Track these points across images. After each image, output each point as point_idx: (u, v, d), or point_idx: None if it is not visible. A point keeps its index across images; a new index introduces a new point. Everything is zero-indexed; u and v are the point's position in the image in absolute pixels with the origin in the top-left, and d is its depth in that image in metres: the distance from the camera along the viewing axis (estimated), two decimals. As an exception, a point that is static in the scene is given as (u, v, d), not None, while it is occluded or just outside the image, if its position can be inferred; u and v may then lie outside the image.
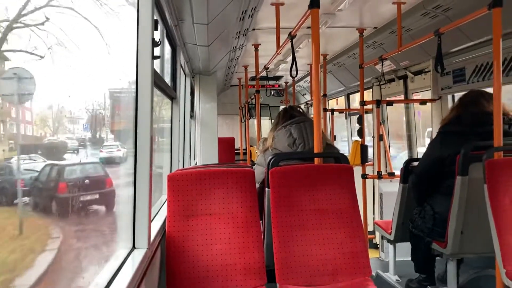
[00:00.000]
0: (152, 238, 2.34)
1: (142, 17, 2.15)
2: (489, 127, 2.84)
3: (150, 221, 2.30)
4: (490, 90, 3.42)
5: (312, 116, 3.11)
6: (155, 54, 2.26)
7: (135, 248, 2.22)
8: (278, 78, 8.74)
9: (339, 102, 8.32)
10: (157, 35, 2.36)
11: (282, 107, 9.79)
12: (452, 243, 3.04)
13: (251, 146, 8.56)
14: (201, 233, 2.70)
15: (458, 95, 4.67)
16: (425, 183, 3.35)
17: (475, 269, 3.54)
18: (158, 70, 2.89)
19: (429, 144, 3.42)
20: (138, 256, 2.12)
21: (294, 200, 2.74)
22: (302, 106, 9.72)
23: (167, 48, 3.66)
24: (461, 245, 3.04)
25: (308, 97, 9.04)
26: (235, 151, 9.31)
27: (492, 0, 2.66)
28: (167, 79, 3.71)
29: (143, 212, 2.23)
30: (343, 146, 7.78)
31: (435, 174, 3.23)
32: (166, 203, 2.84)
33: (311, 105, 9.06)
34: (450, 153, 3.09)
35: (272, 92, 10.01)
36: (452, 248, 3.05)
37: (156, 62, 2.55)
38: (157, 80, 2.61)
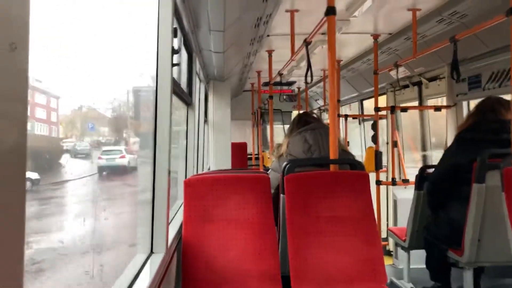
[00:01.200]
0: (169, 243, 2.37)
1: (162, 25, 2.19)
2: (506, 135, 2.82)
3: (168, 226, 2.33)
4: (507, 97, 3.40)
5: (325, 121, 3.12)
6: (174, 62, 2.29)
7: (153, 253, 2.24)
8: (291, 83, 8.75)
9: (351, 109, 8.29)
10: (175, 43, 2.39)
11: (294, 112, 9.80)
12: (469, 252, 3.01)
13: (263, 151, 8.57)
14: (217, 239, 2.71)
15: (473, 102, 4.65)
16: (441, 190, 3.32)
17: (493, 279, 3.51)
18: (176, 77, 2.93)
19: (445, 151, 3.40)
20: (156, 261, 2.14)
21: (310, 207, 2.75)
22: (315, 112, 9.72)
23: (184, 55, 3.71)
24: (478, 253, 3.01)
25: (320, 102, 9.04)
26: (248, 156, 9.33)
27: (510, 7, 2.64)
28: (183, 85, 3.75)
29: (161, 217, 2.26)
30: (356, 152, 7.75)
31: (450, 181, 3.21)
32: (181, 208, 2.87)
33: (323, 111, 9.05)
34: (466, 160, 3.07)
35: (285, 97, 10.02)
36: (468, 257, 3.02)
37: (174, 69, 2.58)
38: (175, 87, 2.65)
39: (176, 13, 2.70)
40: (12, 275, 0.69)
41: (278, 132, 9.79)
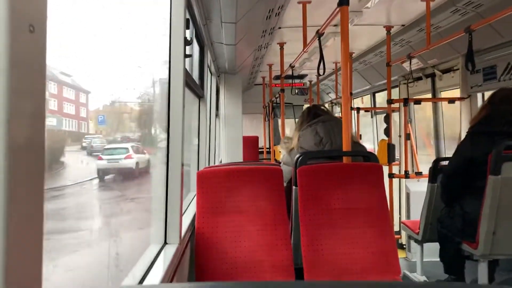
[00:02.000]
0: (182, 234, 2.38)
1: (174, 16, 2.19)
2: None
3: (182, 217, 2.34)
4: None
5: (336, 115, 3.11)
6: (186, 53, 2.29)
7: (167, 243, 2.26)
8: (302, 76, 8.71)
9: (364, 101, 8.24)
10: (187, 34, 2.39)
11: (306, 106, 9.76)
12: (484, 244, 2.98)
13: (275, 145, 8.57)
14: (230, 230, 2.72)
15: (488, 94, 4.58)
16: (455, 183, 3.29)
17: (508, 271, 3.47)
18: (188, 69, 2.93)
19: (459, 144, 3.36)
20: (170, 251, 2.15)
21: (323, 199, 2.74)
22: (326, 105, 9.67)
23: (196, 47, 3.71)
24: (493, 246, 2.98)
25: (332, 95, 8.99)
26: (259, 150, 9.33)
27: (527, -4, 2.60)
28: (195, 78, 3.76)
29: (175, 208, 2.27)
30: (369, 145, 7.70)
31: (465, 174, 3.18)
32: (194, 199, 2.88)
33: (335, 104, 9.00)
34: (480, 153, 3.04)
35: (296, 91, 9.98)
36: (483, 249, 3.00)
37: (186, 61, 2.58)
38: (187, 79, 2.65)
39: (188, 5, 2.70)
40: (31, 276, 0.69)
41: (290, 125, 9.77)
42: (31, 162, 0.67)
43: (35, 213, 0.69)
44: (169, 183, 2.27)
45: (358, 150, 3.15)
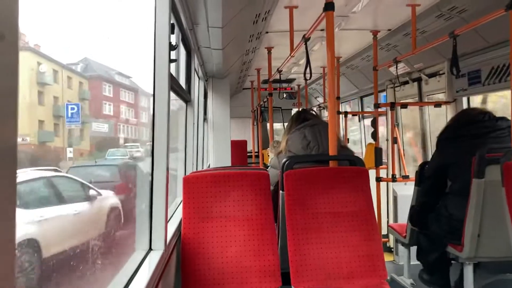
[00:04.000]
0: (168, 240, 2.36)
1: (159, 20, 2.18)
2: (481, 124, 3.04)
3: (167, 223, 2.32)
4: (506, 93, 3.40)
5: (324, 119, 3.13)
6: (171, 58, 2.28)
7: (152, 249, 2.24)
8: (291, 81, 8.74)
9: (351, 106, 8.29)
10: (173, 39, 2.38)
11: (294, 110, 9.78)
12: (469, 247, 3.00)
13: (263, 149, 8.57)
14: (216, 235, 2.71)
15: (473, 98, 4.63)
16: (435, 188, 3.39)
17: (492, 274, 3.50)
18: (174, 74, 2.92)
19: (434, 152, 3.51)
20: (155, 257, 2.13)
21: (309, 203, 2.74)
22: (314, 109, 9.71)
23: (182, 52, 3.69)
24: (478, 248, 3.01)
25: (320, 99, 9.02)
26: (248, 154, 9.33)
27: (509, 1, 2.63)
28: (182, 82, 3.74)
29: (159, 214, 2.25)
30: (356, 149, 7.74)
31: (440, 179, 3.35)
32: (181, 205, 2.86)
33: (323, 108, 9.04)
34: (452, 160, 3.20)
35: (284, 95, 10.01)
36: (469, 252, 3.02)
37: (172, 66, 2.57)
38: (173, 84, 2.64)
39: (174, 10, 2.69)
40: (3, 276, 0.68)
41: (278, 129, 9.78)
42: (4, 161, 0.68)
43: (7, 212, 0.69)
44: (154, 188, 2.25)
45: (344, 154, 3.16)
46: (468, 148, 3.06)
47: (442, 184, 3.34)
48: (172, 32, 2.29)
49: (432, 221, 3.38)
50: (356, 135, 7.81)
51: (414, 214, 3.66)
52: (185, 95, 3.64)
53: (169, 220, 2.93)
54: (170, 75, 2.31)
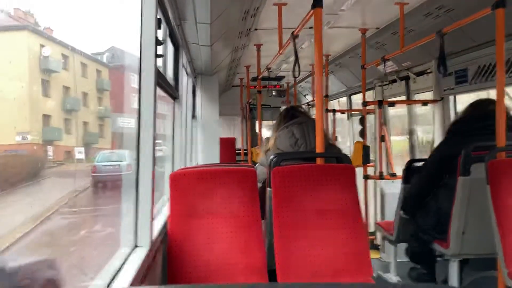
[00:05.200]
0: (154, 237, 2.34)
1: (145, 15, 2.15)
2: (490, 121, 2.88)
3: (152, 220, 2.30)
4: (492, 91, 3.42)
5: (313, 116, 3.12)
6: (158, 53, 2.26)
7: (137, 246, 2.22)
8: (280, 78, 8.73)
9: (340, 103, 8.31)
10: (160, 34, 2.36)
11: (283, 107, 9.78)
12: (454, 243, 3.03)
13: (252, 147, 8.56)
14: (203, 232, 2.69)
15: (460, 96, 4.67)
16: (433, 177, 3.35)
17: (477, 271, 3.54)
18: (161, 70, 2.89)
19: (440, 143, 3.46)
20: (140, 254, 2.12)
21: (296, 200, 2.74)
22: (303, 107, 9.71)
23: (170, 48, 3.67)
24: (463, 245, 3.04)
25: (309, 97, 9.04)
26: (236, 151, 9.31)
27: (495, 1, 2.65)
28: (170, 79, 3.72)
29: (145, 211, 2.23)
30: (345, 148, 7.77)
31: (439, 171, 3.27)
32: (168, 202, 2.84)
33: (312, 106, 9.05)
34: (454, 151, 3.11)
35: (274, 93, 10.00)
36: (454, 249, 3.04)
37: (159, 62, 2.55)
38: (160, 80, 2.62)
39: (161, 4, 2.66)
40: None
41: (268, 127, 9.78)
42: None
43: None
44: (140, 184, 2.23)
45: (330, 152, 3.16)
46: (476, 143, 2.98)
47: (439, 176, 3.28)
48: (158, 27, 2.27)
49: (421, 214, 3.40)
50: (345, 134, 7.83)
51: (409, 199, 3.58)
52: (172, 92, 3.62)
53: (155, 217, 2.91)
54: (157, 70, 2.28)
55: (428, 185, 3.36)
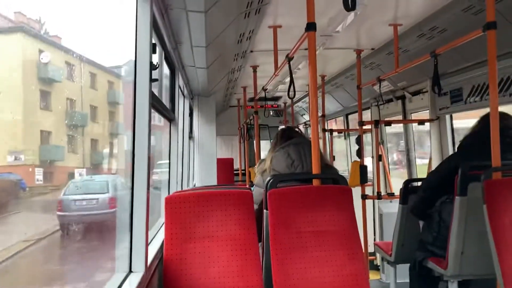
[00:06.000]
0: (149, 261, 2.32)
1: (140, 40, 2.18)
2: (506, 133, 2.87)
3: (147, 244, 2.28)
4: (487, 110, 3.43)
5: (310, 137, 3.12)
6: (153, 77, 2.28)
7: (132, 271, 2.19)
8: (277, 98, 8.79)
9: (337, 123, 8.34)
10: (155, 58, 2.38)
11: (281, 127, 9.81)
12: (453, 264, 3.00)
13: (250, 167, 8.55)
14: (199, 256, 2.67)
15: (456, 115, 4.69)
16: (441, 187, 3.26)
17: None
18: (156, 93, 2.91)
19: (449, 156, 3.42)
20: (134, 280, 2.09)
21: (293, 222, 2.72)
22: (301, 127, 9.75)
23: (166, 70, 3.69)
24: (462, 266, 3.00)
25: (307, 117, 9.08)
26: (234, 172, 9.29)
27: (486, 23, 2.69)
28: (166, 101, 3.73)
29: (140, 235, 2.21)
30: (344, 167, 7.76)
31: (448, 183, 3.17)
32: (163, 226, 2.82)
33: (309, 126, 9.08)
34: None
35: (271, 113, 10.05)
36: (453, 269, 3.01)
37: (155, 85, 2.56)
38: (155, 103, 2.63)
39: (156, 29, 2.69)
40: None
41: (265, 147, 9.78)
42: None
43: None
44: (134, 208, 2.22)
45: (327, 173, 3.15)
46: (487, 157, 2.85)
47: (446, 187, 3.17)
48: (153, 51, 2.29)
49: (423, 227, 3.36)
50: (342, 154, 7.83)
51: (418, 201, 3.45)
52: (168, 114, 3.63)
53: (151, 241, 2.89)
54: (152, 93, 2.30)
55: (440, 187, 3.27)
